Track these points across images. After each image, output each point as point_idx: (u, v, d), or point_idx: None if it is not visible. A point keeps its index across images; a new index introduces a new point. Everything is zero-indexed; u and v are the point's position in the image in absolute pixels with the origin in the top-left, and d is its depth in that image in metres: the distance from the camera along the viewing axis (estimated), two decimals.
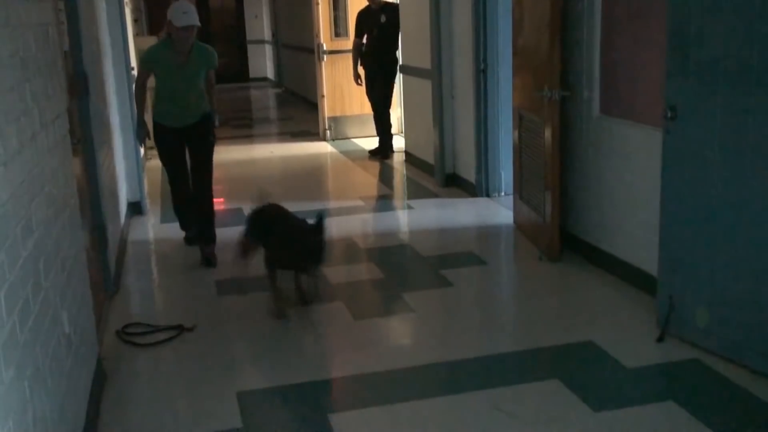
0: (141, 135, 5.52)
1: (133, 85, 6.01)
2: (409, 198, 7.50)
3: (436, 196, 7.27)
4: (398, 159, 9.04)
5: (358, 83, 9.37)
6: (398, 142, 9.34)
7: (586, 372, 3.67)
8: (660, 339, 3.88)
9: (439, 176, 7.60)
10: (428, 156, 7.95)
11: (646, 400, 3.37)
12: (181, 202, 5.60)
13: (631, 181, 4.63)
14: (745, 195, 3.46)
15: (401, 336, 4.35)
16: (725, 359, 3.61)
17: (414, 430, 3.23)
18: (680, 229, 3.80)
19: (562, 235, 5.23)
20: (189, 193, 5.49)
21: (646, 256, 4.35)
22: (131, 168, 6.79)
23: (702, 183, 3.65)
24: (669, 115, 3.74)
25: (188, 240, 5.77)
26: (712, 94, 3.55)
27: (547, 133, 5.14)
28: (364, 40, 9.09)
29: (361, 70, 9.25)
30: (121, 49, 6.62)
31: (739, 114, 3.44)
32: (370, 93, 9.21)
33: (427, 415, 3.33)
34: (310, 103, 12.26)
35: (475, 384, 3.56)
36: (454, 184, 7.47)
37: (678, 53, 3.68)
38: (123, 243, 5.79)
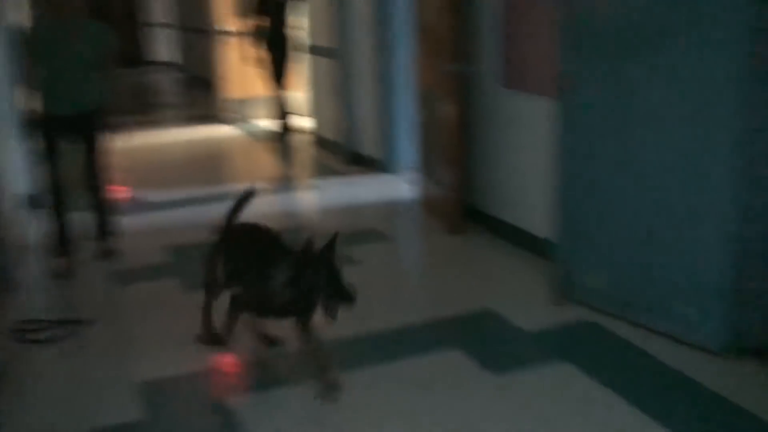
0: (32, 126, 5.02)
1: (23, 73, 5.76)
2: (315, 178, 7.49)
3: (342, 174, 7.27)
4: (304, 139, 8.99)
5: (255, 65, 9.23)
6: (305, 122, 9.29)
7: (487, 339, 3.75)
8: (558, 303, 4.00)
9: (345, 155, 7.59)
10: (334, 135, 7.94)
11: (545, 362, 3.47)
12: (56, 197, 5.03)
13: (531, 152, 4.73)
14: (634, 161, 3.58)
15: None
16: (619, 319, 3.75)
17: (321, 407, 3.23)
18: (575, 196, 3.90)
19: (466, 209, 5.32)
20: (65, 190, 5.03)
21: (545, 225, 4.46)
22: (26, 160, 6.53)
23: (593, 150, 3.76)
24: (562, 85, 3.82)
25: (59, 249, 5.06)
26: (602, 63, 3.64)
27: (450, 108, 5.19)
28: (262, 21, 8.93)
29: (260, 52, 9.10)
30: (5, 35, 6.35)
31: (627, 82, 3.55)
32: (271, 74, 9.07)
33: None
34: (214, 87, 12.05)
35: (380, 357, 3.59)
36: (360, 162, 7.49)
37: (570, 24, 3.76)
38: (18, 237, 5.57)
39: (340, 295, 3.08)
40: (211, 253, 3.71)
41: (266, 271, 3.22)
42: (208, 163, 8.40)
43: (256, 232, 3.59)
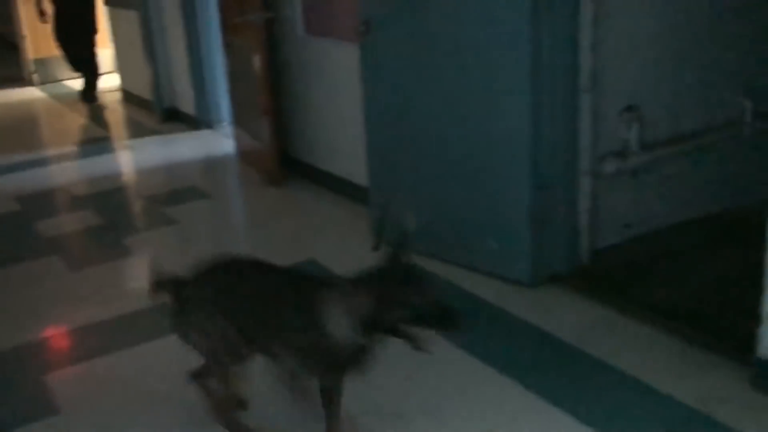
0: None
1: None
2: (128, 138, 7.19)
3: (156, 133, 7.01)
4: (114, 98, 8.58)
5: (44, 21, 8.66)
6: (113, 80, 8.85)
7: None
8: (376, 247, 4.05)
9: (158, 112, 7.32)
10: (146, 92, 7.62)
11: None
12: None
13: (339, 98, 4.73)
14: (434, 103, 3.65)
15: (122, 282, 4.16)
16: (435, 258, 3.85)
17: (137, 375, 3.13)
18: (383, 140, 3.95)
19: (284, 160, 5.27)
20: None
21: (359, 170, 4.49)
22: None
23: (396, 94, 3.80)
24: (362, 29, 3.82)
25: None
26: (398, 6, 3.66)
27: (256, 58, 5.09)
28: None
29: (45, 5, 8.50)
30: None
31: (425, 24, 3.58)
32: (58, 31, 8.43)
33: (150, 358, 3.23)
34: (13, 45, 11.20)
35: None
36: (174, 118, 7.24)
37: None
38: None
39: (439, 322, 2.17)
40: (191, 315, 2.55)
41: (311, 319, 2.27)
42: (10, 129, 7.84)
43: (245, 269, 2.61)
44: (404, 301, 2.13)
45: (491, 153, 3.49)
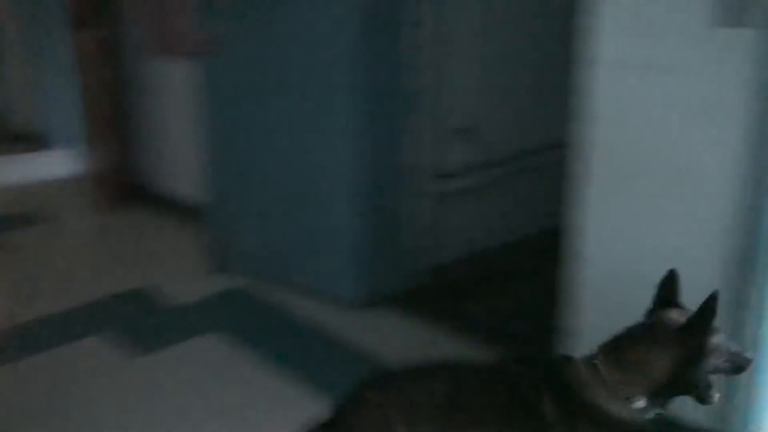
0: None
1: None
2: None
3: None
4: None
5: None
6: None
7: (134, 319, 3.54)
8: (214, 272, 3.89)
9: None
10: None
11: (191, 334, 3.33)
12: None
13: (179, 119, 4.56)
14: (269, 123, 3.55)
15: None
16: (270, 281, 3.73)
17: None
18: (222, 163, 3.80)
19: (128, 184, 5.05)
20: None
21: (199, 193, 4.32)
22: None
23: (233, 115, 3.68)
24: (201, 50, 3.67)
25: None
26: (236, 26, 3.53)
27: (95, 77, 4.87)
28: None
29: None
30: None
31: (258, 45, 3.47)
32: None
33: None
34: None
35: (18, 353, 3.23)
36: (17, 138, 6.84)
37: None
38: None
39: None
40: None
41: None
42: None
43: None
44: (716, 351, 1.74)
45: (325, 175, 3.42)
